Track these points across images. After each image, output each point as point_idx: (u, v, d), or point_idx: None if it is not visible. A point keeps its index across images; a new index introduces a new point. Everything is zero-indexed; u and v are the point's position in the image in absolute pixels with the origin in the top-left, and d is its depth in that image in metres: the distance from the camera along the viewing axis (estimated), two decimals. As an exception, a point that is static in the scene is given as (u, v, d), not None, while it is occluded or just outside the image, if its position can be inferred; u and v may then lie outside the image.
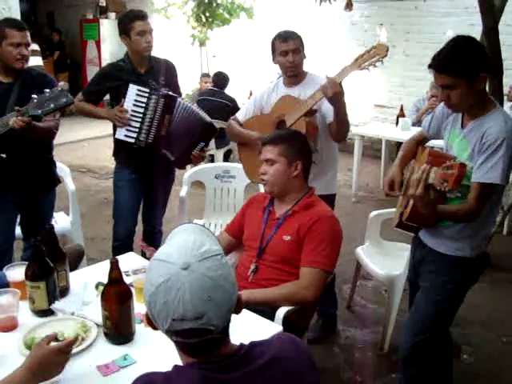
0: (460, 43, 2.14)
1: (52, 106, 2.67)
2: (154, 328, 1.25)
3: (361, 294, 3.93)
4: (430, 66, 2.16)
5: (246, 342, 1.28)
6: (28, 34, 2.90)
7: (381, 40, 8.20)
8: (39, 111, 2.66)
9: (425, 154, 2.23)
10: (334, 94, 2.68)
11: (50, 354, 1.56)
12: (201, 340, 1.16)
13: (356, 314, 3.73)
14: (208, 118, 3.38)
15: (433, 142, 2.65)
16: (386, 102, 8.39)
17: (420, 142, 2.54)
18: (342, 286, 3.96)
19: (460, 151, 2.22)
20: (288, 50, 2.97)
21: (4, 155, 2.83)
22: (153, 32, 3.31)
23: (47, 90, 2.69)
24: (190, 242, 1.21)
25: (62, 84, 2.79)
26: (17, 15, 5.64)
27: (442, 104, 2.38)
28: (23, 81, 2.94)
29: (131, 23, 3.23)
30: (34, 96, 2.68)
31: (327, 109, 2.92)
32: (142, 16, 3.26)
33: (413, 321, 2.46)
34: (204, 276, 1.15)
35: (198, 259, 1.16)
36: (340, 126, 2.90)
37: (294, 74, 3.06)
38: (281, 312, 2.24)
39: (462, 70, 2.06)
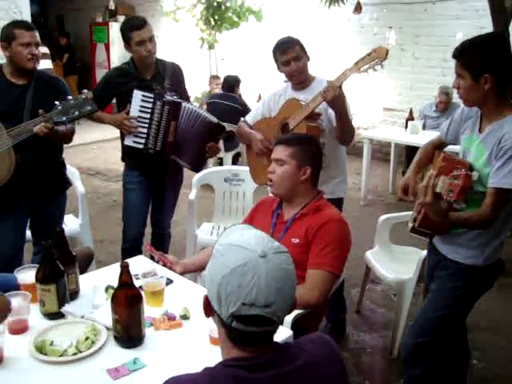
0: (483, 39, 2.16)
1: (77, 113, 2.75)
2: (209, 314, 1.27)
3: (370, 298, 3.92)
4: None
5: None
6: (37, 33, 2.92)
7: (390, 43, 8.19)
8: (64, 118, 2.73)
9: (439, 159, 2.21)
10: (333, 98, 2.68)
11: None
12: (259, 330, 1.19)
13: (365, 319, 3.72)
14: (214, 119, 3.38)
15: (450, 148, 2.61)
16: (395, 105, 8.36)
17: (438, 146, 2.51)
18: (350, 290, 3.95)
19: (477, 156, 2.19)
20: (289, 60, 2.99)
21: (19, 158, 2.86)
22: (154, 37, 3.27)
23: (70, 98, 2.75)
24: (263, 235, 1.28)
25: (86, 92, 2.82)
26: (27, 18, 5.71)
27: (460, 108, 2.38)
28: (36, 84, 2.96)
29: (129, 33, 3.21)
30: (57, 103, 2.73)
31: (333, 112, 2.92)
32: (139, 25, 3.20)
33: (416, 322, 2.47)
34: (279, 267, 1.20)
35: (273, 251, 1.22)
36: (342, 130, 2.90)
37: (299, 80, 3.08)
38: (289, 316, 2.22)
39: (467, 64, 2.09)
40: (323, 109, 2.92)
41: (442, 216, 2.06)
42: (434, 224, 2.18)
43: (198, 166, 3.57)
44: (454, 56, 2.14)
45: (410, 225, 2.41)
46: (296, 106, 2.97)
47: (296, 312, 2.24)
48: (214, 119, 3.39)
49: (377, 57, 2.57)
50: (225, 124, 3.54)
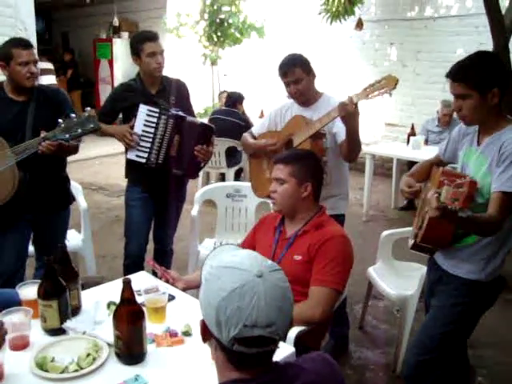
0: (479, 56, 2.17)
1: (79, 130, 2.77)
2: (206, 339, 1.26)
3: (373, 315, 3.90)
4: (447, 75, 2.17)
5: None
6: (34, 51, 2.94)
7: (391, 59, 8.25)
8: (67, 135, 2.76)
9: (438, 174, 2.21)
10: (347, 113, 2.68)
11: None
12: (260, 351, 1.19)
13: (368, 335, 3.70)
14: (199, 121, 3.41)
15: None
16: (397, 120, 8.40)
17: (435, 165, 2.51)
18: (353, 306, 3.93)
19: (476, 168, 2.20)
20: (288, 82, 3.01)
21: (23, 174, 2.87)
22: (164, 52, 3.33)
23: (74, 115, 2.78)
24: (256, 254, 1.27)
25: (89, 110, 2.84)
26: (32, 35, 5.77)
27: (458, 127, 2.39)
28: (38, 99, 2.98)
29: (142, 44, 3.26)
30: (61, 121, 2.76)
31: (339, 129, 2.93)
32: (152, 37, 3.28)
33: (418, 340, 2.45)
34: (276, 286, 1.20)
35: (269, 270, 1.21)
36: (351, 147, 2.89)
37: (301, 101, 3.10)
38: (292, 332, 2.22)
39: (475, 82, 2.09)
40: (327, 127, 2.93)
41: (452, 223, 2.02)
42: (437, 238, 2.17)
43: (193, 172, 3.55)
44: (457, 79, 2.13)
45: (411, 242, 2.40)
46: (301, 124, 2.98)
47: (299, 329, 2.24)
48: (199, 120, 3.41)
49: (386, 85, 2.58)
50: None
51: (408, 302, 3.16)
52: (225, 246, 1.34)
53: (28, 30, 5.85)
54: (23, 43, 2.93)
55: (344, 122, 2.75)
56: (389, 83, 2.59)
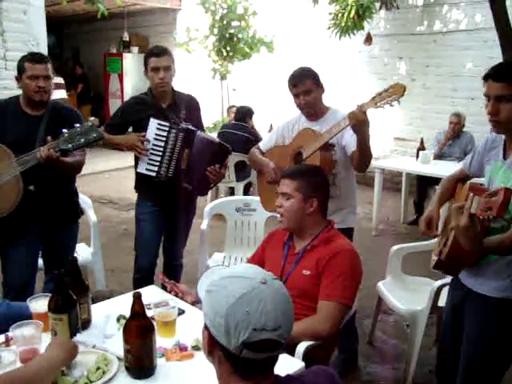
0: None
1: (82, 140, 2.77)
2: (211, 351, 1.29)
3: (382, 329, 3.88)
4: (486, 76, 2.05)
5: None
6: (48, 66, 2.97)
7: (400, 73, 8.26)
8: (69, 145, 2.76)
9: (464, 189, 2.13)
10: (357, 121, 2.68)
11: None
12: (267, 356, 1.23)
13: (377, 350, 3.68)
14: (216, 140, 3.41)
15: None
16: (406, 134, 8.40)
17: (460, 180, 2.43)
18: (362, 321, 3.91)
19: (504, 182, 2.05)
20: (298, 94, 3.03)
21: (32, 187, 2.90)
22: (170, 68, 3.34)
23: (77, 125, 2.78)
24: (255, 265, 1.35)
25: (93, 119, 2.87)
26: (44, 49, 5.84)
27: (484, 140, 2.30)
28: (51, 114, 3.02)
29: (148, 59, 3.33)
30: (65, 130, 2.77)
31: (349, 140, 2.94)
32: (157, 53, 3.32)
33: (463, 372, 2.25)
34: (279, 291, 1.26)
35: (271, 278, 1.27)
36: (362, 156, 2.89)
37: (309, 113, 3.11)
38: (301, 347, 2.21)
39: None
40: (336, 140, 2.95)
41: (475, 241, 1.86)
42: (462, 255, 2.03)
43: (202, 189, 3.58)
44: (500, 78, 1.99)
45: (434, 259, 2.25)
46: (310, 136, 3.00)
47: (307, 343, 2.23)
48: (216, 139, 3.42)
49: (394, 93, 2.59)
50: (236, 154, 3.56)
51: (418, 317, 3.14)
52: (216, 266, 1.42)
53: (40, 44, 5.92)
54: (37, 58, 2.98)
55: (354, 131, 2.75)
56: (397, 91, 2.59)
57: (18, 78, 2.97)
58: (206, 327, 1.28)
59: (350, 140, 2.92)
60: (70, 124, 2.96)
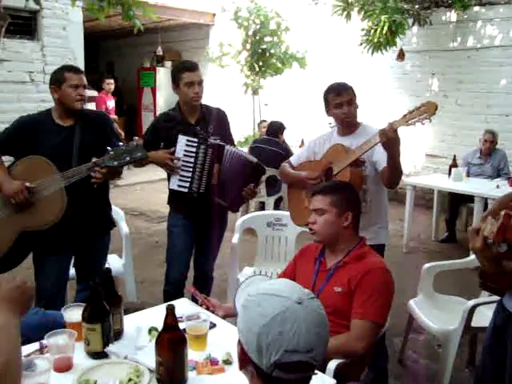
0: None
1: (128, 158, 2.89)
2: (243, 366, 1.28)
3: (413, 348, 3.82)
4: None
5: None
6: (84, 76, 3.09)
7: (433, 89, 8.20)
8: (115, 163, 2.88)
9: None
10: (388, 139, 2.68)
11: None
12: (299, 377, 1.21)
13: (408, 369, 3.62)
14: (254, 159, 3.42)
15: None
16: (438, 151, 8.31)
17: None
18: (392, 339, 3.85)
19: None
20: (342, 103, 3.03)
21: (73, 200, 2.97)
22: (203, 82, 3.39)
23: (121, 144, 2.92)
24: (292, 282, 1.31)
25: (137, 139, 2.97)
26: (81, 64, 5.99)
27: None
28: (83, 123, 3.10)
29: (180, 74, 3.34)
30: (109, 148, 2.87)
31: (380, 157, 2.93)
32: (190, 67, 3.35)
33: None
34: (315, 312, 1.24)
35: (307, 297, 1.25)
36: (392, 173, 2.88)
37: (350, 124, 3.12)
38: (332, 364, 2.20)
39: None
40: (367, 156, 2.94)
41: (493, 263, 1.77)
42: (495, 276, 1.92)
43: (236, 207, 3.61)
44: None
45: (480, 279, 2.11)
46: (341, 152, 3.00)
47: (338, 361, 2.22)
48: (253, 159, 3.42)
49: (425, 111, 2.58)
50: (267, 169, 3.57)
51: (450, 337, 3.09)
52: (256, 276, 1.38)
53: (77, 59, 6.08)
54: (75, 68, 3.11)
55: (385, 149, 2.75)
56: (428, 109, 2.58)
57: (56, 89, 3.03)
58: (239, 342, 1.28)
59: (380, 156, 2.92)
60: (101, 128, 3.10)
